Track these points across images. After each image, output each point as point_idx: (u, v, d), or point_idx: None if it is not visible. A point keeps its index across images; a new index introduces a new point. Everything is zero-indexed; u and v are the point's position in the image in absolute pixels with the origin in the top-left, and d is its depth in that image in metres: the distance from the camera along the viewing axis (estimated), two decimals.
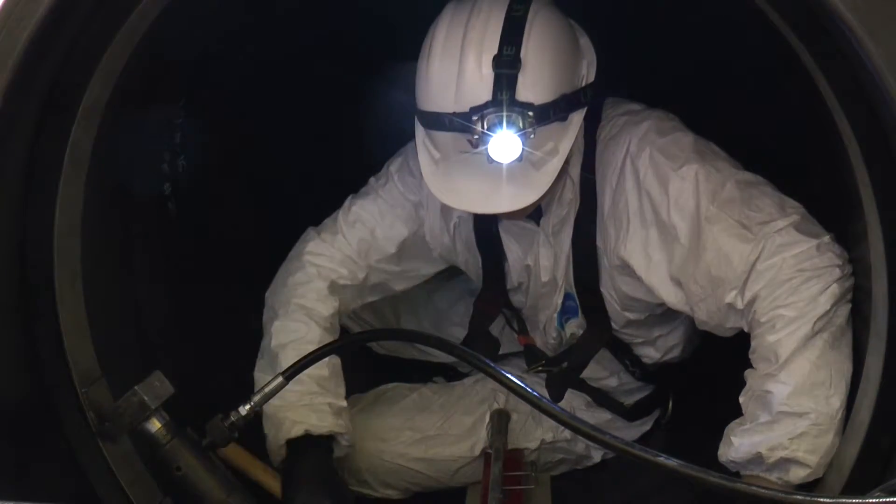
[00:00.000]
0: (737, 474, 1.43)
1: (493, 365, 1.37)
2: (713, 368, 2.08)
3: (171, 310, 2.10)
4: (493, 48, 1.44)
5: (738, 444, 1.41)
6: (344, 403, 1.71)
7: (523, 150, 1.45)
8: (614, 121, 1.68)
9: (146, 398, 1.46)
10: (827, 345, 1.38)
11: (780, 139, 1.71)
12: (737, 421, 1.45)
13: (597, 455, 2.05)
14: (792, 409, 1.36)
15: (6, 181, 1.33)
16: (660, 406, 2.08)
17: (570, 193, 1.71)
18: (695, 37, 2.01)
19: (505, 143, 1.43)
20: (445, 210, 1.85)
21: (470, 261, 1.93)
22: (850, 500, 1.21)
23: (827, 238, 1.45)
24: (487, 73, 1.43)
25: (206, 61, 1.99)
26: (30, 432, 1.41)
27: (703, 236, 1.52)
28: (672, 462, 1.17)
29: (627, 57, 1.83)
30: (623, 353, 1.92)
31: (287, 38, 2.26)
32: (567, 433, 1.95)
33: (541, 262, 1.80)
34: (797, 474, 1.37)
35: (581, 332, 1.88)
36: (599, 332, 1.86)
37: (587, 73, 1.57)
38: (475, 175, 1.51)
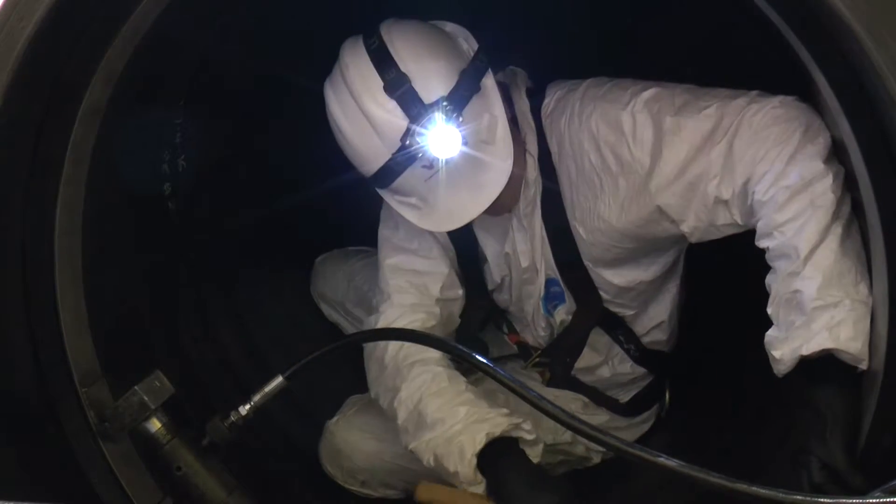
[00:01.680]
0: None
1: (492, 365, 1.37)
2: (706, 357, 2.10)
3: (171, 310, 2.10)
4: (378, 83, 1.54)
5: (781, 356, 1.33)
6: (506, 410, 1.62)
7: (462, 134, 1.53)
8: (555, 96, 1.72)
9: (146, 398, 1.46)
10: (844, 232, 1.33)
11: None
12: (772, 332, 1.38)
13: (597, 457, 2.05)
14: (825, 301, 1.30)
15: (7, 180, 1.34)
16: (657, 401, 2.08)
17: (534, 172, 1.73)
18: (695, 36, 2.02)
19: (443, 138, 1.53)
20: None
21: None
22: (850, 501, 1.21)
23: (787, 97, 1.46)
24: (391, 105, 1.53)
25: (207, 61, 1.99)
26: (30, 432, 1.41)
27: (670, 149, 1.52)
28: (672, 462, 1.17)
29: (626, 57, 1.84)
30: (616, 327, 1.91)
31: (287, 38, 2.26)
32: (568, 435, 1.94)
33: (518, 247, 1.81)
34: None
35: (570, 318, 1.89)
36: (590, 310, 1.86)
37: (468, 45, 1.66)
38: (453, 189, 1.58)
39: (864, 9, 1.09)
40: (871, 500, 1.13)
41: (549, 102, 1.72)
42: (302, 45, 2.29)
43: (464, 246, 1.87)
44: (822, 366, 1.30)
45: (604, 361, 1.97)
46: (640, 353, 1.96)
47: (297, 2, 2.10)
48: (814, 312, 1.30)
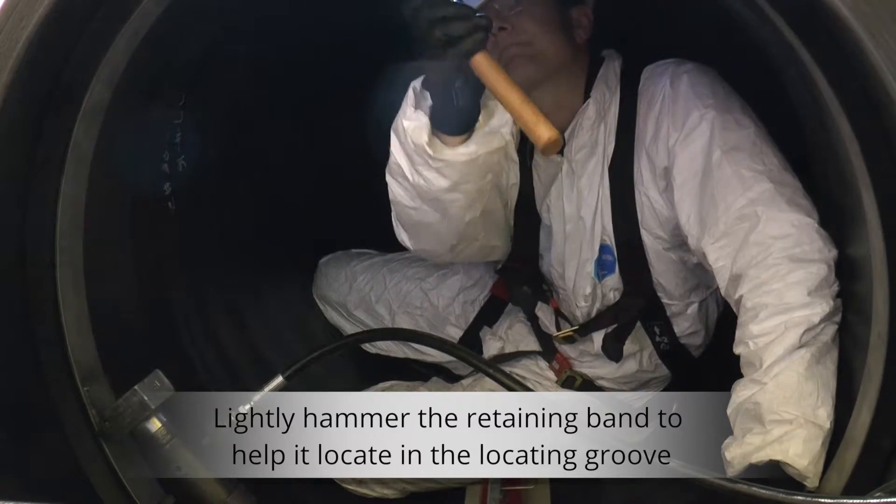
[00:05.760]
0: None
1: (491, 364, 1.38)
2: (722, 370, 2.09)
3: (171, 309, 2.10)
4: None
5: (731, 459, 1.41)
6: None
7: None
8: (660, 63, 1.78)
9: (146, 398, 1.46)
10: (814, 359, 1.40)
11: (779, 139, 1.72)
12: (730, 437, 1.45)
13: None
14: (781, 416, 1.37)
15: (7, 180, 1.34)
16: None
17: (593, 114, 1.76)
18: (694, 36, 2.02)
19: None
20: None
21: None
22: (850, 501, 1.21)
23: (816, 222, 1.50)
24: None
25: (207, 61, 1.99)
26: (30, 431, 1.41)
27: (708, 181, 1.59)
28: (672, 462, 1.17)
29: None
30: (653, 318, 1.91)
31: (288, 39, 2.27)
32: None
33: (564, 192, 1.84)
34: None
35: (612, 294, 1.88)
36: (639, 291, 1.86)
37: None
38: None
39: (864, 9, 1.09)
40: (871, 500, 1.14)
41: (649, 68, 1.77)
42: (302, 45, 2.30)
43: (524, 194, 1.90)
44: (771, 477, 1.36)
45: (634, 353, 1.96)
46: (671, 349, 1.95)
47: (297, 2, 2.11)
48: (769, 425, 1.37)
